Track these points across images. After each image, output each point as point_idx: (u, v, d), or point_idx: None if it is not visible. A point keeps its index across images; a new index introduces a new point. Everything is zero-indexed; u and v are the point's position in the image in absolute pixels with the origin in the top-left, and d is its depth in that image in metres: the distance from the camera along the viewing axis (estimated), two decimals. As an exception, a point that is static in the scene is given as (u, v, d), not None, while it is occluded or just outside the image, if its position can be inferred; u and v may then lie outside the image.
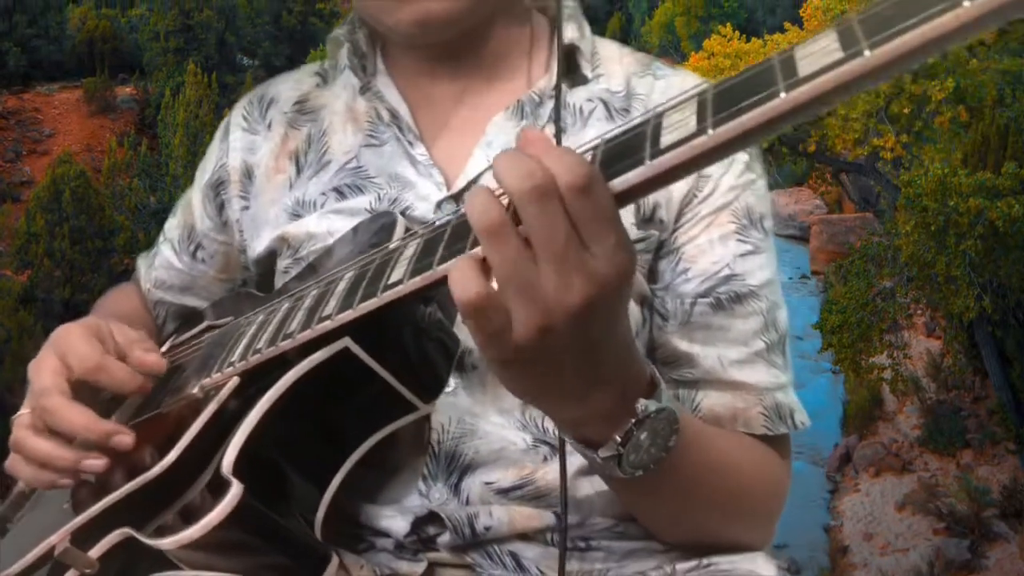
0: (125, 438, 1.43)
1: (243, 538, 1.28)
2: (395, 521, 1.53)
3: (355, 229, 1.56)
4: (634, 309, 1.59)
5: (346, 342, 1.30)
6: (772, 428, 1.60)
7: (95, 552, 1.37)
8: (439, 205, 1.61)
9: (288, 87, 1.87)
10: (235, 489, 1.24)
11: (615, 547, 1.57)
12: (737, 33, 25.05)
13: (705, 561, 1.54)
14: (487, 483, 1.53)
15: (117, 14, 53.49)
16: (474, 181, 1.61)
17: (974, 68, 19.14)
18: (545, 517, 1.54)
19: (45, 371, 1.48)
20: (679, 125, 0.98)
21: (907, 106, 19.34)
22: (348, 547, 1.55)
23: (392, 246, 1.28)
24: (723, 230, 1.60)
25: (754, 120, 0.91)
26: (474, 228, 1.04)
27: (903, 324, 18.56)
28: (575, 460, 1.49)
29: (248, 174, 1.81)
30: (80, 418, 1.42)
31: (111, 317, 1.75)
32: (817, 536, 18.02)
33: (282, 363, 1.34)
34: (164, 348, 1.82)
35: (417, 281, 1.13)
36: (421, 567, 1.53)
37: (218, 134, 1.92)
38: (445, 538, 1.52)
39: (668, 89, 1.69)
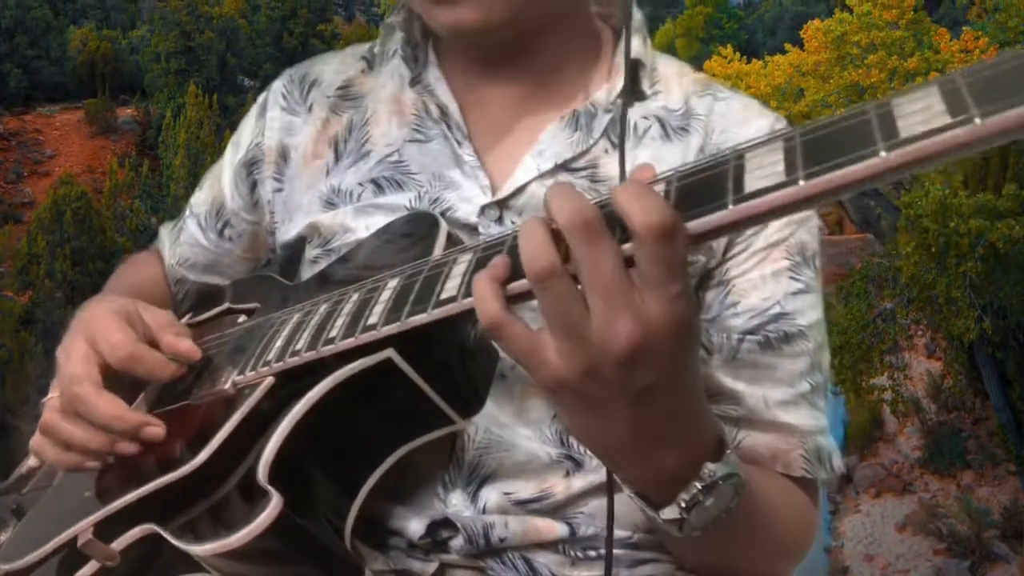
0: (156, 430, 1.41)
1: (277, 548, 1.24)
2: (410, 523, 1.51)
3: (391, 226, 1.52)
4: None
5: (389, 353, 1.26)
6: (811, 472, 1.57)
7: (118, 545, 1.35)
8: (483, 210, 1.56)
9: (332, 69, 1.79)
10: (275, 501, 1.20)
11: (626, 556, 1.55)
12: (738, 55, 25.18)
13: None
14: (506, 493, 1.52)
15: (118, 35, 53.71)
16: (521, 189, 1.56)
17: (974, 90, 19.18)
18: (559, 529, 1.52)
19: (75, 357, 1.44)
20: (765, 170, 0.93)
21: (907, 127, 19.39)
22: (362, 541, 1.53)
23: (441, 257, 1.25)
24: (776, 266, 1.55)
25: (849, 176, 0.87)
26: (525, 270, 1.01)
27: (904, 345, 18.59)
28: (599, 476, 1.50)
29: (284, 155, 1.74)
30: (111, 408, 1.40)
31: (131, 288, 1.73)
32: (818, 557, 17.97)
33: (320, 367, 1.30)
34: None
35: (470, 301, 1.10)
36: (432, 567, 1.51)
37: (254, 110, 1.84)
38: (458, 543, 1.50)
39: (728, 112, 1.65)
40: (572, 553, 1.53)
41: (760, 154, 0.95)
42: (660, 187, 1.01)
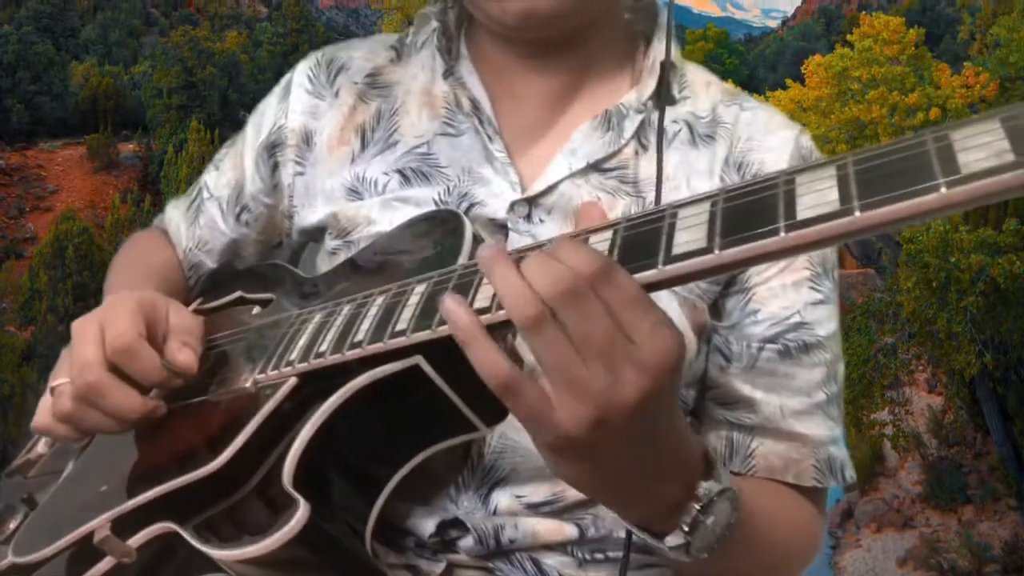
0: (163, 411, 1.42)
1: (301, 555, 1.23)
2: (421, 521, 1.52)
3: (414, 224, 1.50)
4: (691, 338, 1.54)
5: (417, 359, 1.24)
6: (822, 481, 1.59)
7: (134, 542, 1.34)
8: (512, 207, 1.55)
9: (361, 55, 1.78)
10: (302, 509, 1.20)
11: (633, 558, 1.51)
12: (739, 89, 25.16)
13: None
14: (517, 496, 1.52)
15: (120, 71, 53.83)
16: (552, 188, 1.56)
17: (974, 125, 19.18)
18: (569, 531, 1.53)
19: (87, 339, 1.40)
20: (817, 196, 0.90)
21: (907, 163, 19.37)
22: (373, 536, 1.49)
23: (471, 264, 1.22)
24: (797, 276, 1.56)
25: (908, 211, 0.84)
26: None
27: (904, 380, 18.54)
28: None
29: (307, 139, 1.73)
30: (125, 401, 1.38)
31: (147, 273, 1.74)
32: (820, 593, 17.92)
33: (344, 370, 1.28)
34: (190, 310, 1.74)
35: (503, 315, 1.06)
36: (440, 567, 1.52)
37: (276, 92, 1.83)
38: (468, 543, 1.51)
39: (754, 122, 1.65)
40: (580, 555, 1.54)
41: (811, 177, 0.93)
42: (706, 206, 0.99)
